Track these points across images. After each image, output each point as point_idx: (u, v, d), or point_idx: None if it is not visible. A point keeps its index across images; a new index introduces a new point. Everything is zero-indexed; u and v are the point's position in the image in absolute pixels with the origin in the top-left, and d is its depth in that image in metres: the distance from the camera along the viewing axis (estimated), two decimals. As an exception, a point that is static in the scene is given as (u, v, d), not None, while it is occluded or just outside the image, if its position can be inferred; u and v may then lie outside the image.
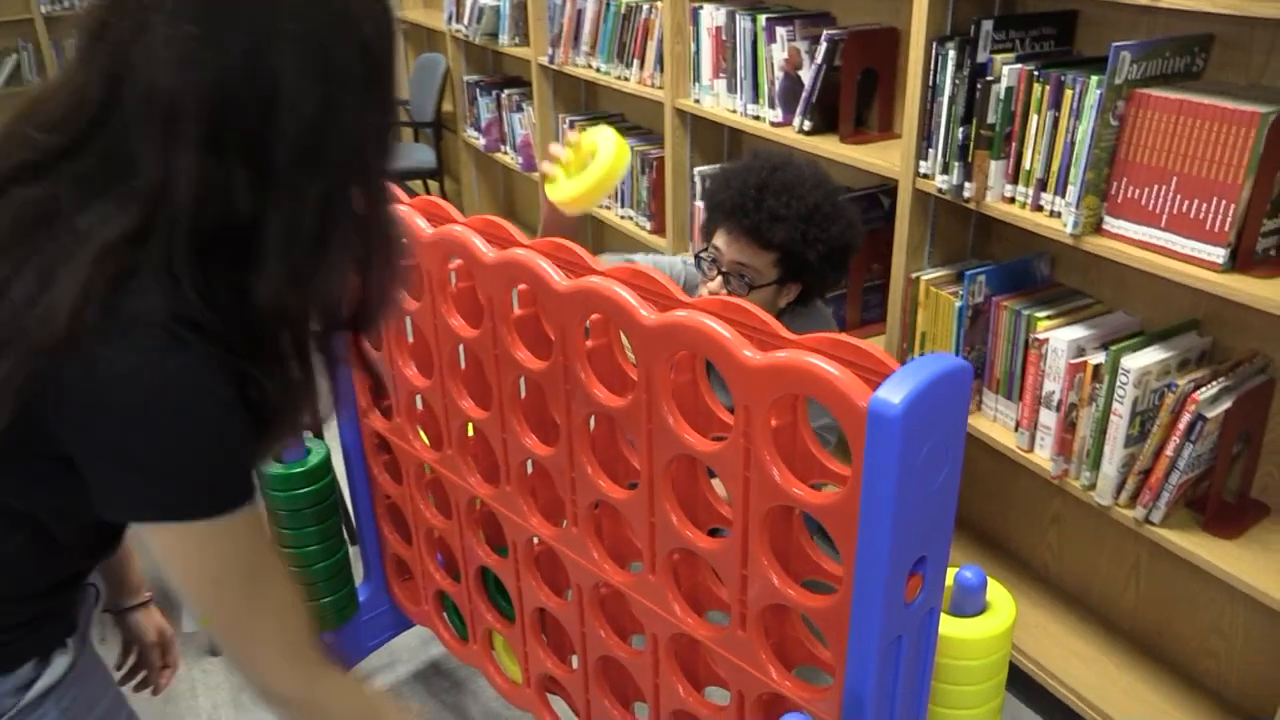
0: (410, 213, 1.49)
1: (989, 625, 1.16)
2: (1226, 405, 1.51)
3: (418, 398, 1.65)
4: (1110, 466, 1.62)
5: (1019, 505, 2.11)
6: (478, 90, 3.90)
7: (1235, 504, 1.63)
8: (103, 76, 0.74)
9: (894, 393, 0.90)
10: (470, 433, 1.58)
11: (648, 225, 2.89)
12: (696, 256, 1.80)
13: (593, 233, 3.44)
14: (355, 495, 1.87)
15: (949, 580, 1.16)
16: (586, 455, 1.31)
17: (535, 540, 1.51)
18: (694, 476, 1.25)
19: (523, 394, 1.43)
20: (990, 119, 1.69)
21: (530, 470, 1.49)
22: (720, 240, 1.74)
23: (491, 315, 1.36)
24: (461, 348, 1.49)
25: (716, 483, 1.34)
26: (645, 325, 1.12)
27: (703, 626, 1.26)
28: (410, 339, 1.61)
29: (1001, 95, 1.66)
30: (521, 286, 1.38)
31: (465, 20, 3.74)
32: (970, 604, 1.18)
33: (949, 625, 1.15)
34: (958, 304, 1.84)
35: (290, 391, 0.84)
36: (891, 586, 0.98)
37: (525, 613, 1.58)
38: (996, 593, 1.20)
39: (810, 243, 1.64)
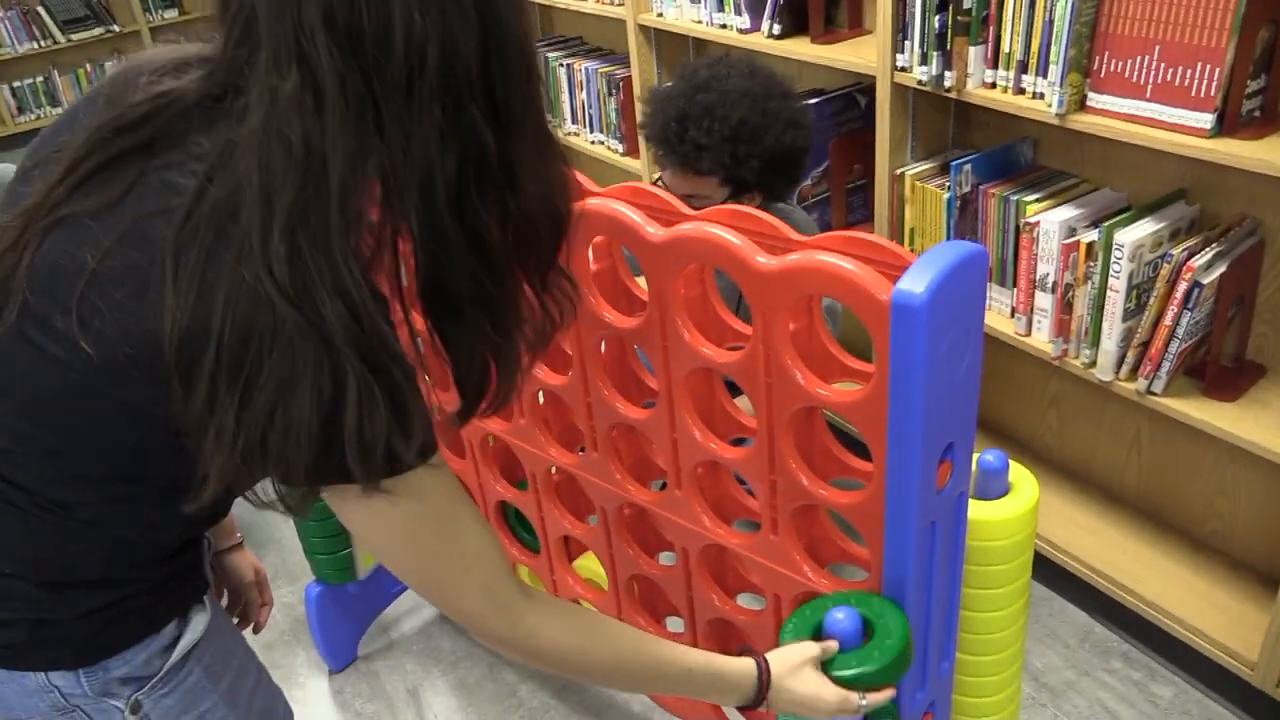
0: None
1: (1014, 505, 1.19)
2: (1221, 270, 1.52)
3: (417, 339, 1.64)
4: (1110, 342, 1.64)
5: (1017, 390, 2.14)
6: (429, 26, 3.80)
7: (1233, 367, 1.66)
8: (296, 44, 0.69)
9: (916, 282, 0.90)
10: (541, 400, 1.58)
11: (620, 148, 2.85)
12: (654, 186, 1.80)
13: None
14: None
15: (972, 467, 1.18)
16: (601, 379, 1.31)
17: (554, 470, 1.52)
18: (711, 390, 1.26)
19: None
20: (966, 4, 1.66)
21: (542, 401, 1.49)
22: (665, 174, 1.75)
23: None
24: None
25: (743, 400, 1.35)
26: (653, 241, 1.12)
27: (734, 535, 1.28)
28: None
29: (976, -21, 1.64)
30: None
31: (409, -46, 3.63)
32: (994, 487, 1.20)
33: (976, 509, 1.17)
34: (946, 195, 1.84)
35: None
36: (925, 475, 1.00)
37: (550, 542, 1.60)
38: (1018, 474, 1.23)
39: (743, 160, 1.63)
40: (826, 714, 1.03)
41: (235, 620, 1.26)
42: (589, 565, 1.65)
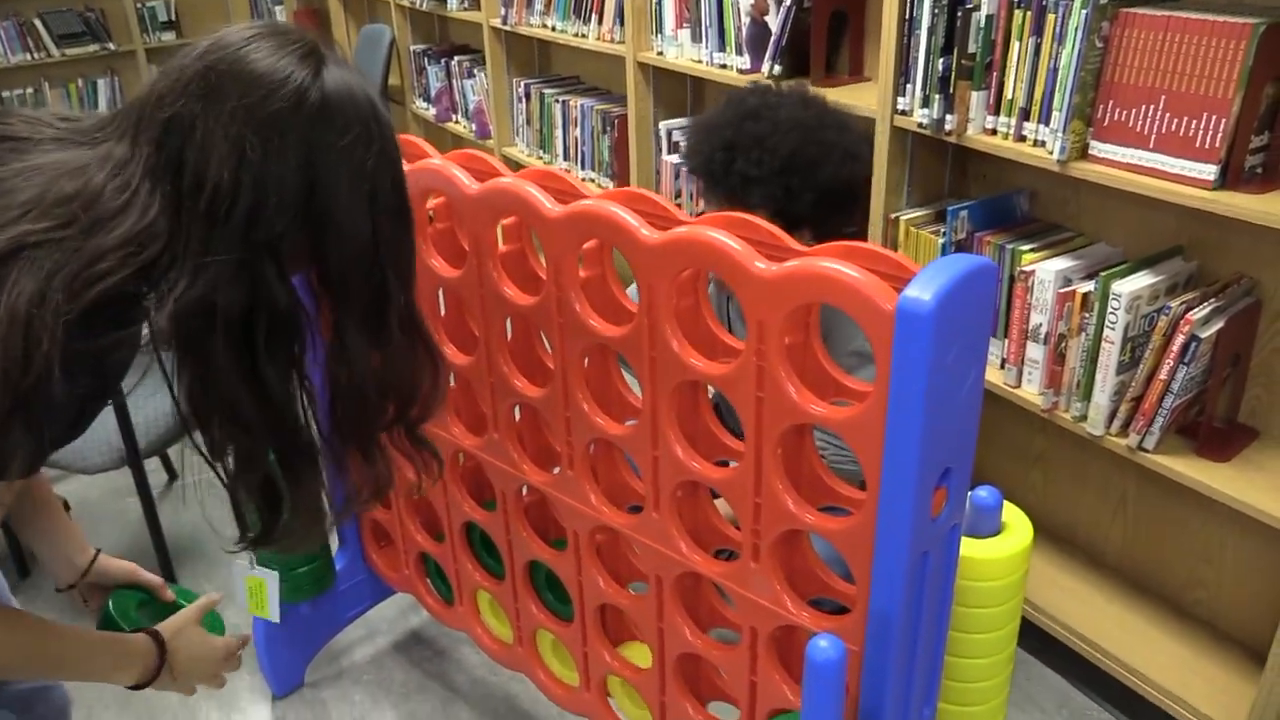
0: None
1: (1007, 545, 1.14)
2: (1219, 326, 1.50)
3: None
4: (1102, 396, 1.60)
5: (1002, 446, 2.10)
6: (426, 59, 3.80)
7: (1225, 429, 1.63)
8: (154, 148, 0.80)
9: (923, 290, 0.86)
10: (452, 383, 1.52)
11: (611, 186, 2.83)
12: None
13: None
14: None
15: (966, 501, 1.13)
16: (582, 392, 1.26)
17: (525, 489, 1.46)
18: (696, 407, 1.21)
19: (509, 336, 1.37)
20: (971, 49, 1.66)
21: (518, 417, 1.43)
22: (708, 207, 1.58)
23: (476, 252, 1.30)
24: (442, 291, 1.43)
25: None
26: (647, 244, 1.07)
27: (711, 563, 1.22)
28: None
29: (982, 24, 1.63)
30: (507, 220, 1.32)
31: (411, -14, 3.64)
32: (986, 524, 1.15)
33: (967, 546, 1.12)
34: (941, 241, 1.81)
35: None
36: (920, 498, 0.95)
37: (516, 567, 1.52)
38: (1012, 513, 1.18)
39: (796, 194, 1.48)
40: (218, 659, 1.17)
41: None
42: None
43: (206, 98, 0.78)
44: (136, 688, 1.05)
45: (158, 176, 0.79)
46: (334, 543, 1.86)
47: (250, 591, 1.66)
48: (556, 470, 1.37)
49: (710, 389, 1.23)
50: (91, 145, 0.82)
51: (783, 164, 1.49)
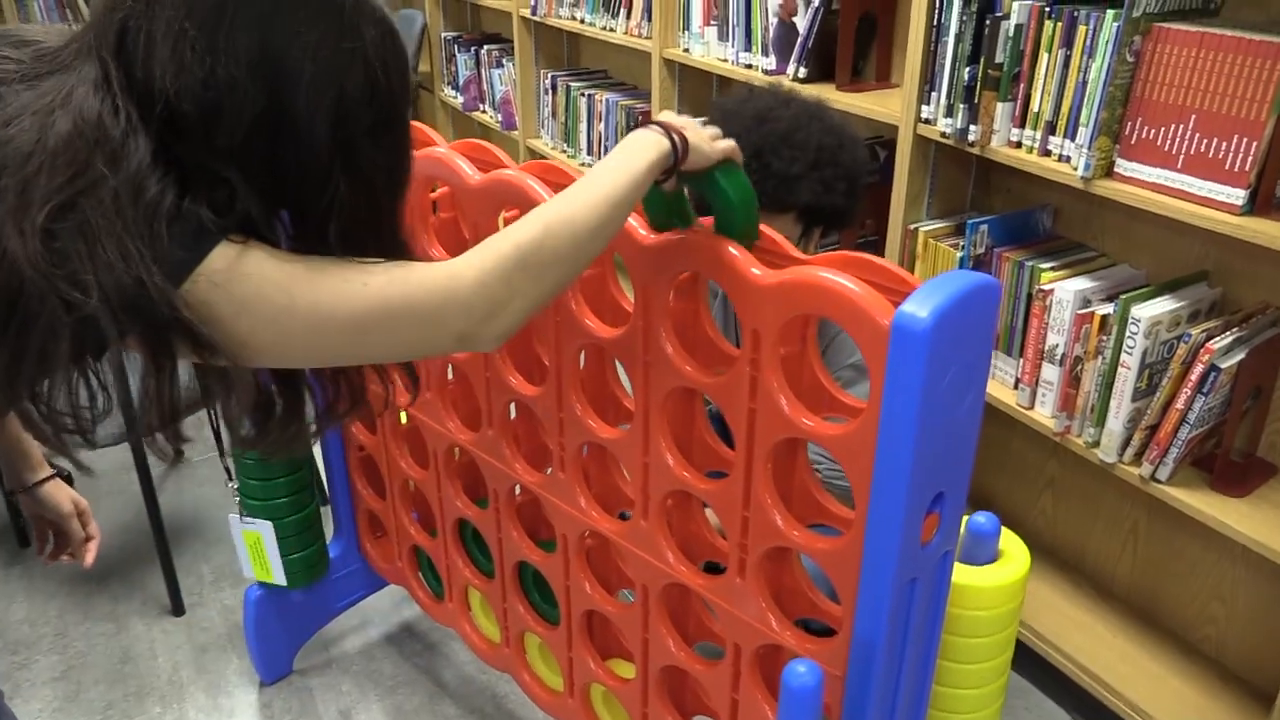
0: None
1: (1003, 574, 1.10)
2: (1240, 357, 1.45)
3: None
4: (1116, 422, 1.55)
5: (1013, 468, 2.05)
6: (456, 47, 3.79)
7: (1243, 463, 1.58)
8: (115, 59, 0.72)
9: (921, 307, 0.82)
10: (450, 376, 1.50)
11: (632, 183, 2.80)
12: None
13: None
14: (326, 446, 1.78)
15: (960, 527, 1.09)
16: (576, 393, 1.23)
17: (518, 489, 1.43)
18: (691, 415, 1.17)
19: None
20: (999, 58, 1.61)
21: (514, 415, 1.41)
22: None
23: (477, 244, 1.27)
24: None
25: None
26: (644, 244, 1.04)
27: (696, 575, 1.19)
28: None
29: (1011, 33, 1.59)
30: (509, 213, 1.30)
31: (445, -27, 3.63)
32: (983, 552, 1.11)
33: (961, 573, 1.08)
34: (959, 255, 1.77)
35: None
36: (909, 523, 0.91)
37: (505, 567, 1.50)
38: (1009, 541, 1.14)
39: (831, 185, 1.44)
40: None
41: (49, 551, 1.26)
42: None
43: None
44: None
45: (127, 90, 0.72)
46: (329, 531, 1.85)
47: (251, 551, 1.58)
48: (549, 471, 1.34)
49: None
50: (65, 70, 0.75)
51: (815, 155, 1.44)
